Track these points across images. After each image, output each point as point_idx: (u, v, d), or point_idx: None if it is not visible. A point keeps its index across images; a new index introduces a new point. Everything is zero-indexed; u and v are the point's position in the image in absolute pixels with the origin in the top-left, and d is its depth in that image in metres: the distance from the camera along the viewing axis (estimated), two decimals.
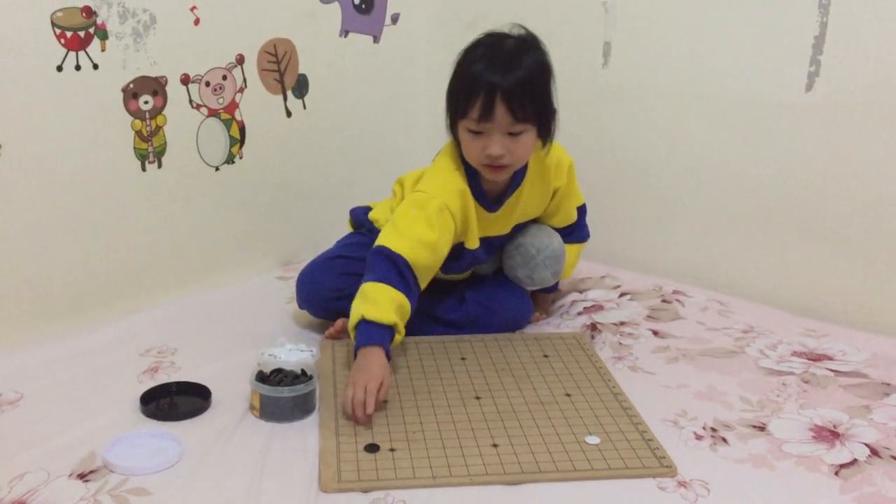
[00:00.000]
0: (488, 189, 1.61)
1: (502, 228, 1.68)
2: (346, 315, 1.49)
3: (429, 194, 1.54)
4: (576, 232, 1.80)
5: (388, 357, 1.42)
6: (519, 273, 1.72)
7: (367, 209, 1.80)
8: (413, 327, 1.62)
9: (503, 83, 1.45)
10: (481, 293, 1.72)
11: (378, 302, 1.43)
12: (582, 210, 1.80)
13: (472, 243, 1.63)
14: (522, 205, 1.67)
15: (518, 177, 1.62)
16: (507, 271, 1.74)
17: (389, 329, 1.44)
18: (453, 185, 1.56)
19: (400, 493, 1.20)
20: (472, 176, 1.58)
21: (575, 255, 1.82)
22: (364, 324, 1.43)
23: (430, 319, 1.69)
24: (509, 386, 1.51)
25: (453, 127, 1.56)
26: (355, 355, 1.43)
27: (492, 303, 1.71)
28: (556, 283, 1.85)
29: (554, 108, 1.55)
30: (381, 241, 1.51)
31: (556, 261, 1.71)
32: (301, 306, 1.74)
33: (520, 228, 1.72)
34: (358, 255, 1.64)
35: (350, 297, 1.49)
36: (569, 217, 1.77)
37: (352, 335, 1.46)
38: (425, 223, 1.51)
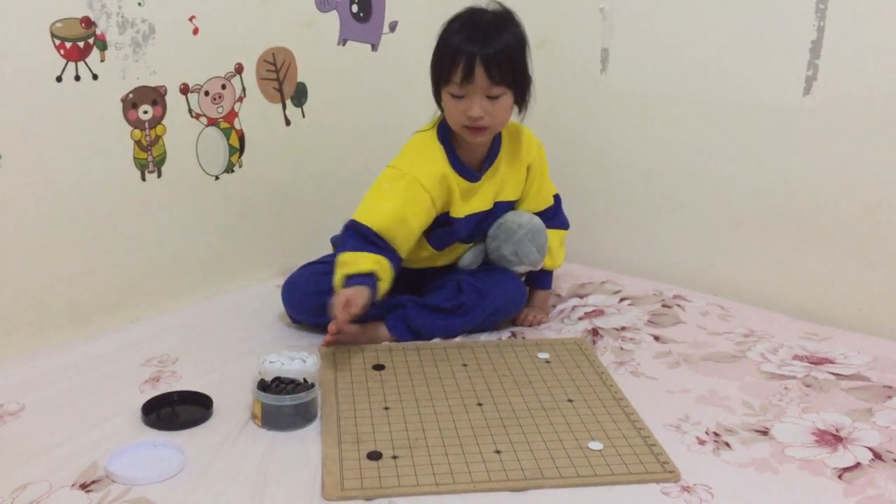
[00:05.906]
0: (466, 160, 1.70)
1: (484, 202, 1.74)
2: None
3: (401, 170, 1.65)
4: (555, 218, 1.87)
5: (374, 294, 1.56)
6: (504, 251, 1.76)
7: None
8: (413, 320, 1.71)
9: (482, 47, 1.57)
10: (476, 278, 1.76)
11: (353, 263, 1.56)
12: (557, 199, 1.89)
13: (458, 212, 1.70)
14: (501, 177, 1.75)
15: (493, 151, 1.73)
16: (493, 253, 1.79)
17: (370, 275, 1.56)
18: (427, 160, 1.66)
19: (403, 501, 1.19)
20: (449, 150, 1.68)
21: (559, 241, 1.87)
22: (348, 279, 1.55)
23: (428, 311, 1.72)
24: (511, 392, 1.51)
25: (437, 96, 1.65)
26: None
27: (486, 286, 1.74)
28: (550, 279, 1.89)
29: (529, 76, 1.65)
30: (353, 216, 1.62)
31: (537, 235, 1.76)
32: (290, 314, 1.78)
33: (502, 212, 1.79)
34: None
35: (330, 294, 1.57)
36: (546, 200, 1.85)
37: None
38: (394, 196, 1.62)
